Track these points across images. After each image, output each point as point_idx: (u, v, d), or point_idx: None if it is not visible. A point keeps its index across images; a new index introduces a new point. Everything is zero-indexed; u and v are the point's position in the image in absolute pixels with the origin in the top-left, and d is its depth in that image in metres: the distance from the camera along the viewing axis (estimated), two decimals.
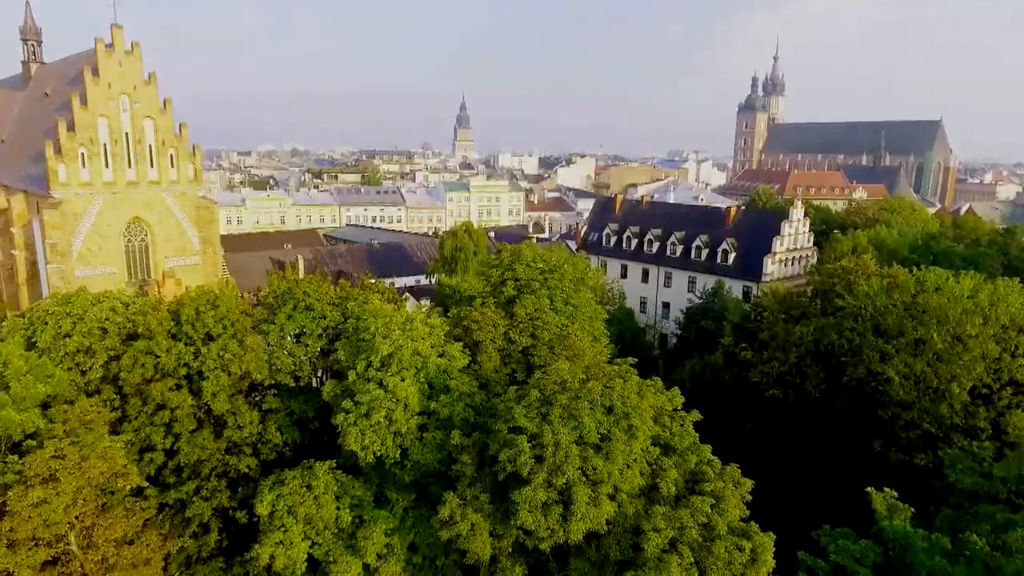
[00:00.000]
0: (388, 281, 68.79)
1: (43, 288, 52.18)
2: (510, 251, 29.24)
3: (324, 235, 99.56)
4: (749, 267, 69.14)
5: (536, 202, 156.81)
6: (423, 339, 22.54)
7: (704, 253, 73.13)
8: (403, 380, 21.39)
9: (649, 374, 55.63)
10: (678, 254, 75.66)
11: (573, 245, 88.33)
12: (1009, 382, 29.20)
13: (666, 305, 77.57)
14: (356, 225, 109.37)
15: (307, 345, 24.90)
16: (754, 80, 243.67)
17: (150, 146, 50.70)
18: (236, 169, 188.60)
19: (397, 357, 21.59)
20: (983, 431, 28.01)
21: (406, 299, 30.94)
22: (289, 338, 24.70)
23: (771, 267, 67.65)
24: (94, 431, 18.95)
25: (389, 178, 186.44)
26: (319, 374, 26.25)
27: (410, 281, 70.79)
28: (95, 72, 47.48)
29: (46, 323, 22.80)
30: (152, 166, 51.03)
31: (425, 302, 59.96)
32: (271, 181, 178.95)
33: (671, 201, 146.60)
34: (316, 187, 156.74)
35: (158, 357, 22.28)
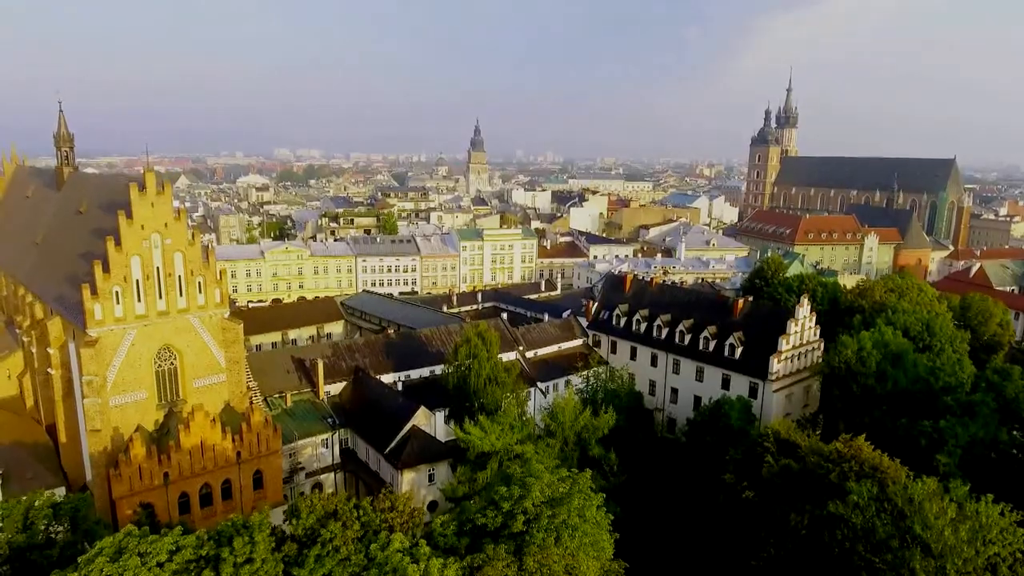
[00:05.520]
0: (403, 374, 71.82)
1: (78, 407, 54.91)
2: (519, 482, 31.28)
3: (341, 303, 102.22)
4: (756, 364, 70.65)
5: (549, 247, 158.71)
6: None
7: (712, 345, 74.74)
8: None
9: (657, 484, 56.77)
10: (686, 343, 77.32)
11: (584, 321, 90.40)
12: None
13: (675, 391, 79.27)
14: (371, 292, 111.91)
15: None
16: (767, 113, 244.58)
17: (179, 276, 53.32)
18: (254, 211, 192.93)
19: None
20: None
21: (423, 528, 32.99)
22: None
23: (777, 366, 69.16)
24: None
25: (404, 217, 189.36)
26: None
27: (425, 372, 73.03)
28: (129, 215, 50.13)
29: None
30: (181, 295, 53.63)
31: (440, 414, 62.36)
32: (288, 222, 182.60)
33: (682, 243, 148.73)
34: (332, 232, 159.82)
35: None
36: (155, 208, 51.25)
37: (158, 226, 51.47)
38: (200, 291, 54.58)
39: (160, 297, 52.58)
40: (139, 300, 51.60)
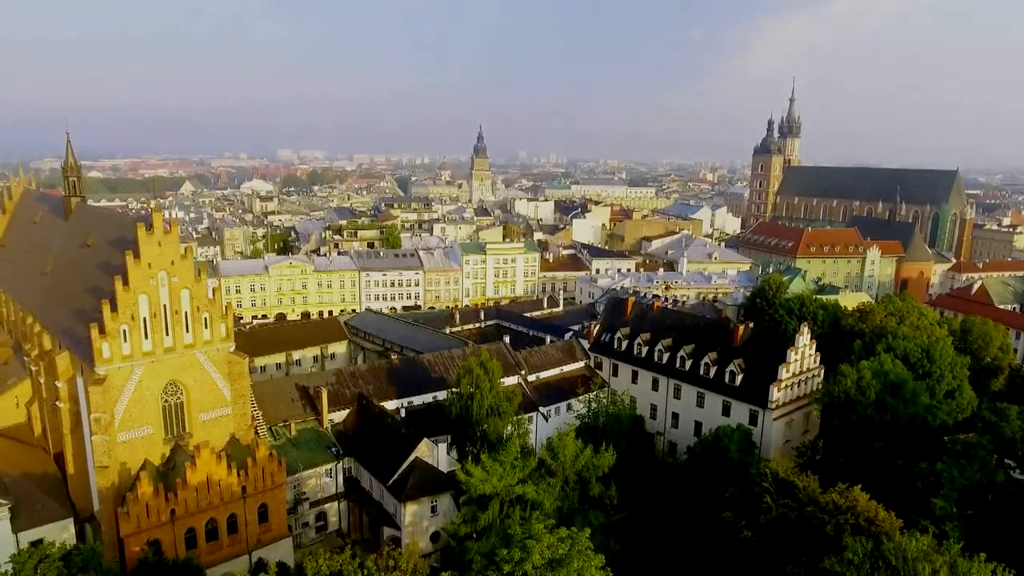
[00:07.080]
0: (406, 401, 72.50)
1: (86, 440, 55.64)
2: (520, 544, 31.88)
3: (344, 323, 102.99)
4: (756, 391, 71.14)
5: (551, 259, 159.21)
6: None
7: (712, 371, 75.22)
8: None
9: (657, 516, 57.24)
10: (687, 368, 77.81)
11: (586, 343, 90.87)
12: None
13: (676, 415, 79.71)
14: (373, 311, 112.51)
15: None
16: (770, 123, 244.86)
17: (186, 313, 53.98)
18: (259, 222, 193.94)
19: None
20: None
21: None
22: None
23: (777, 395, 69.64)
24: None
25: (407, 228, 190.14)
26: None
27: (428, 398, 73.67)
28: (136, 254, 50.81)
29: None
30: (187, 331, 54.28)
31: (442, 445, 62.96)
32: (292, 234, 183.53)
33: (684, 258, 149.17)
34: (336, 246, 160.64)
35: None
36: (162, 247, 51.85)
37: (165, 264, 52.09)
38: (206, 326, 55.19)
39: (167, 334, 53.18)
40: (146, 337, 52.21)
